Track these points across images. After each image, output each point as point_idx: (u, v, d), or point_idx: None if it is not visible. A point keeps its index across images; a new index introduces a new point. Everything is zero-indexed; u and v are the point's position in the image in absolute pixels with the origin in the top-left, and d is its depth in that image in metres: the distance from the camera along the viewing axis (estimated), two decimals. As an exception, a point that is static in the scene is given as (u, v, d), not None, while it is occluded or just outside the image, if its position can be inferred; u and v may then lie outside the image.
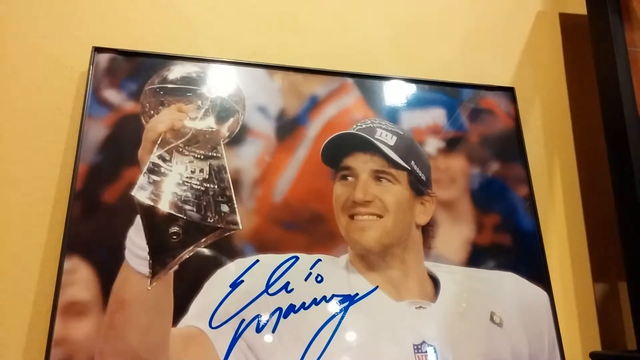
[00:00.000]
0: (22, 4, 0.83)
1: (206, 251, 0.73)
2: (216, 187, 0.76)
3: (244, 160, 0.80)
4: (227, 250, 0.74)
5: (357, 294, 0.77)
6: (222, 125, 0.80)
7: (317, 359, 0.71)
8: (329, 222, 0.80)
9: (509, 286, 0.85)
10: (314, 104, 0.88)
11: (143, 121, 0.77)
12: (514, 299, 0.84)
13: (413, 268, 0.81)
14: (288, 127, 0.85)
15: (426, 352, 0.75)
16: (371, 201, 0.81)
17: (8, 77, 0.79)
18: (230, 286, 0.72)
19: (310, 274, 0.77)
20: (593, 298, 0.94)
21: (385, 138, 0.84)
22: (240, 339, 0.70)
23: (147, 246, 0.70)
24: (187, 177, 0.75)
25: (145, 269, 0.70)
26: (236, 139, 0.81)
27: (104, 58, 0.80)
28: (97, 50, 0.80)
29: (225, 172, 0.77)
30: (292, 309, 0.73)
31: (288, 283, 0.75)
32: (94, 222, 0.71)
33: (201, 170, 0.76)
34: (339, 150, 0.84)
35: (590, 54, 1.02)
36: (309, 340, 0.72)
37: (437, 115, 0.94)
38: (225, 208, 0.75)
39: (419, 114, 0.93)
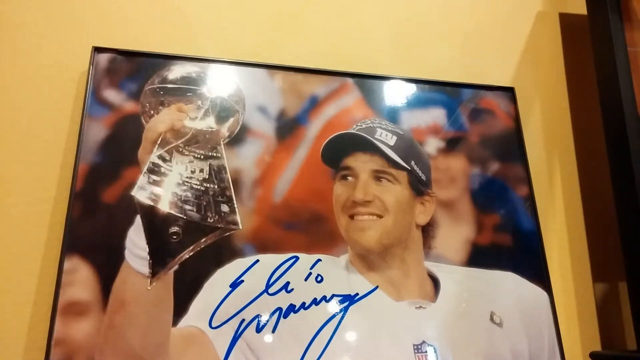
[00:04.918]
0: (22, 4, 0.83)
1: (206, 251, 0.73)
2: (216, 187, 0.76)
3: (244, 160, 0.80)
4: (227, 250, 0.74)
5: (357, 294, 0.77)
6: (222, 125, 0.80)
7: (317, 359, 0.71)
8: (329, 222, 0.80)
9: (509, 286, 0.85)
10: (314, 104, 0.88)
11: (143, 121, 0.77)
12: (514, 299, 0.84)
13: (413, 268, 0.81)
14: (288, 127, 0.85)
15: (426, 352, 0.75)
16: (371, 201, 0.81)
17: (8, 77, 0.79)
18: (230, 286, 0.72)
19: (310, 274, 0.77)
20: (593, 298, 0.94)
21: (385, 138, 0.84)
22: (240, 339, 0.70)
23: (147, 246, 0.70)
24: (187, 177, 0.75)
25: (145, 269, 0.70)
26: (236, 139, 0.81)
27: (104, 58, 0.80)
28: (97, 50, 0.80)
29: (225, 172, 0.77)
30: (292, 309, 0.73)
31: (288, 283, 0.75)
32: (94, 222, 0.71)
33: (201, 170, 0.76)
34: (339, 150, 0.84)
35: (590, 54, 1.02)
36: (309, 340, 0.72)
37: (437, 115, 0.94)
38: (225, 208, 0.75)
39: (419, 114, 0.93)
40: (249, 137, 0.82)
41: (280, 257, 0.76)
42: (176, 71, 0.82)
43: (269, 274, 0.75)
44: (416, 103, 0.93)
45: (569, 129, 1.06)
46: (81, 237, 0.70)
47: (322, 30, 0.98)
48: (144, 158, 0.75)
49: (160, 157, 0.75)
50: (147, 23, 0.88)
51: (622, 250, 0.88)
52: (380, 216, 0.81)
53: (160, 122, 0.77)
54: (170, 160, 0.75)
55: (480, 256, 0.86)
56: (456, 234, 0.86)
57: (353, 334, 0.74)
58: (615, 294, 0.96)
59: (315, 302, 0.75)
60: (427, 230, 0.84)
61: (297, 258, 0.77)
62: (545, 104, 1.06)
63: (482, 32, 1.08)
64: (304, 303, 0.74)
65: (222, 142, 0.79)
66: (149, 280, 0.69)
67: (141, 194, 0.72)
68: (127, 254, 0.70)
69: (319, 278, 0.77)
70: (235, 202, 0.76)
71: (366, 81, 0.92)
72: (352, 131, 0.85)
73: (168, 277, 0.70)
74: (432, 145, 0.91)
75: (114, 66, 0.80)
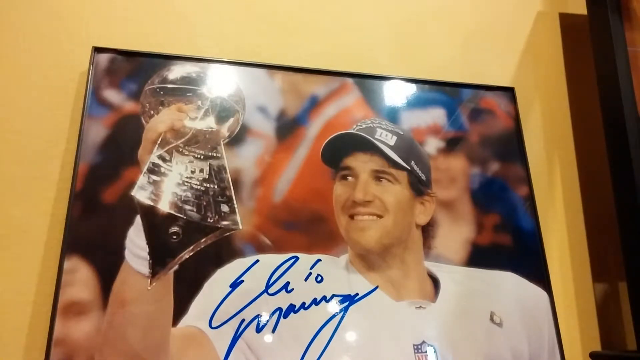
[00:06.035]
0: (22, 4, 0.83)
1: (206, 251, 0.73)
2: (216, 187, 0.76)
3: (244, 160, 0.80)
4: (227, 250, 0.74)
5: (357, 294, 0.77)
6: (222, 125, 0.80)
7: (317, 359, 0.71)
8: (329, 222, 0.80)
9: (509, 286, 0.85)
10: (314, 104, 0.88)
11: (143, 121, 0.77)
12: (514, 299, 0.84)
13: (413, 268, 0.81)
14: (288, 127, 0.85)
15: (426, 352, 0.75)
16: (371, 201, 0.81)
17: (8, 77, 0.79)
18: (230, 286, 0.72)
19: (310, 274, 0.77)
20: (593, 298, 0.94)
21: (385, 138, 0.84)
22: (240, 339, 0.70)
23: (147, 246, 0.70)
24: (187, 177, 0.75)
25: (145, 269, 0.70)
26: (236, 139, 0.81)
27: (104, 58, 0.80)
28: (97, 50, 0.80)
29: (225, 172, 0.77)
30: (292, 309, 0.73)
31: (288, 283, 0.75)
32: (94, 222, 0.71)
33: (201, 170, 0.76)
34: (339, 150, 0.84)
35: (590, 54, 1.02)
36: (309, 340, 0.72)
37: (437, 115, 0.94)
38: (225, 208, 0.75)
39: (419, 114, 0.93)
40: (249, 137, 0.82)
41: (280, 257, 0.76)
42: (176, 71, 0.82)
43: (269, 274, 0.75)
44: (416, 103, 0.93)
45: (569, 129, 1.06)
46: (81, 237, 0.70)
47: (322, 30, 0.98)
48: (144, 158, 0.75)
49: (160, 157, 0.75)
50: (147, 23, 0.88)
51: (622, 250, 0.88)
52: (380, 216, 0.80)
53: (160, 122, 0.77)
54: (170, 160, 0.75)
55: (480, 256, 0.86)
56: (456, 234, 0.86)
57: (353, 334, 0.74)
58: (615, 294, 0.96)
59: (315, 302, 0.75)
60: (427, 230, 0.84)
61: (297, 258, 0.77)
62: (545, 104, 1.06)
63: (482, 32, 1.08)
64: (304, 303, 0.74)
65: (222, 142, 0.79)
66: (149, 280, 0.69)
67: (141, 194, 0.72)
68: (127, 254, 0.70)
69: (319, 278, 0.77)
70: (235, 202, 0.76)
71: (366, 81, 0.92)
72: (352, 131, 0.85)
73: (168, 277, 0.70)
74: (432, 145, 0.91)
75: (114, 66, 0.80)
